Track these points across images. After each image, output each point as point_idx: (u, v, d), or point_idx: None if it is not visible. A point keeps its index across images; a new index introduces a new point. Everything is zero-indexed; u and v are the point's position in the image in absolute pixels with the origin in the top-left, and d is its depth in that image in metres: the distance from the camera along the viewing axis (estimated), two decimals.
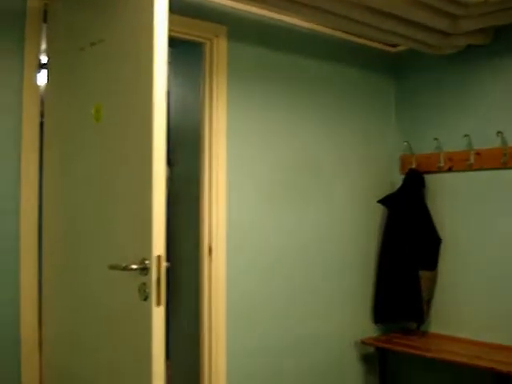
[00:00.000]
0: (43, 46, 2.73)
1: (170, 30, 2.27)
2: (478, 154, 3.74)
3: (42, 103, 2.71)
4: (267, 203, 3.46)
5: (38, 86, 2.65)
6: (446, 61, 3.93)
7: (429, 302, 3.93)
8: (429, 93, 4.05)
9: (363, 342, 3.92)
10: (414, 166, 4.02)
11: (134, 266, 2.12)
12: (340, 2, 3.12)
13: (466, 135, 3.77)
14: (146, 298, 2.09)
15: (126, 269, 2.13)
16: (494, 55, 3.71)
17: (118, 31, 2.33)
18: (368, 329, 4.03)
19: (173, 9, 2.39)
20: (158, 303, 2.08)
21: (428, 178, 4.00)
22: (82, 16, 2.54)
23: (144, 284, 2.11)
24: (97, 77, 2.45)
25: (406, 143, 4.09)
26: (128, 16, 2.27)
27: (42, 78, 2.70)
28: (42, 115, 2.70)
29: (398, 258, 3.92)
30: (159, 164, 2.12)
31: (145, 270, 2.10)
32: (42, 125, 2.69)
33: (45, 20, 2.70)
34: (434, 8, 3.20)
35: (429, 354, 3.60)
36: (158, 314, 2.08)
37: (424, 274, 3.85)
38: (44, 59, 2.72)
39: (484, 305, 3.70)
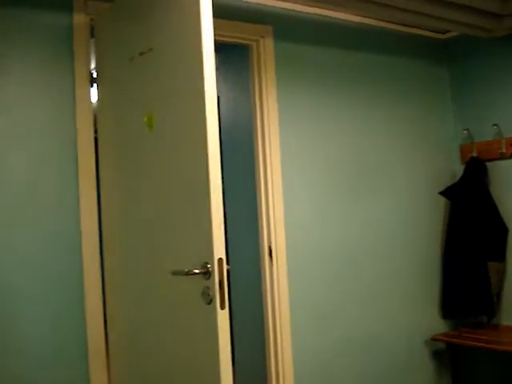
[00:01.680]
0: (93, 61, 2.78)
1: (215, 35, 2.26)
2: None
3: (95, 118, 2.76)
4: (325, 202, 3.42)
5: (90, 101, 2.69)
6: (498, 43, 3.81)
7: (498, 294, 3.80)
8: (484, 78, 3.93)
9: (433, 339, 3.82)
10: (474, 155, 3.90)
11: (197, 271, 2.12)
12: None
13: None
14: (210, 301, 2.09)
15: (188, 273, 2.14)
16: None
17: (165, 39, 2.35)
18: (438, 325, 3.92)
19: (217, 13, 2.39)
20: (222, 306, 2.07)
21: (490, 165, 3.87)
22: (128, 27, 2.57)
23: (207, 288, 2.10)
24: (147, 86, 2.47)
25: (465, 131, 3.98)
26: (174, 23, 2.28)
27: (93, 93, 2.74)
28: (95, 131, 2.75)
29: (465, 251, 3.80)
30: (215, 168, 2.11)
31: (207, 273, 2.10)
32: (96, 140, 2.73)
33: (92, 35, 2.75)
34: None
35: (500, 347, 3.48)
36: (223, 317, 2.07)
37: (492, 266, 3.73)
38: (94, 74, 2.76)
39: None
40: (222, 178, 2.21)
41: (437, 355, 3.90)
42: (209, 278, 2.09)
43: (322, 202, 3.41)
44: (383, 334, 3.63)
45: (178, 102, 2.27)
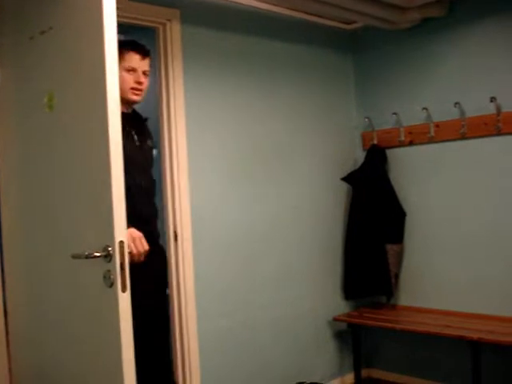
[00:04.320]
0: None
1: (120, 16, 2.23)
2: (437, 126, 3.78)
3: None
4: (230, 187, 3.45)
5: None
6: (402, 35, 3.96)
7: (397, 275, 3.98)
8: (387, 68, 4.08)
9: (335, 319, 3.96)
10: (375, 142, 4.05)
11: (97, 254, 2.10)
12: None
13: (424, 108, 3.81)
14: (111, 284, 2.08)
15: (88, 257, 2.11)
16: (449, 27, 3.74)
17: (66, 18, 2.28)
18: (340, 306, 4.06)
19: None
20: (124, 289, 2.06)
21: (390, 152, 4.03)
22: (28, 5, 2.49)
23: (108, 271, 2.09)
24: (47, 65, 2.40)
25: (366, 120, 4.12)
26: (76, 1, 2.22)
27: None
28: None
29: (365, 234, 3.95)
30: (116, 150, 2.09)
31: (108, 256, 2.08)
32: None
33: None
34: None
35: (399, 326, 3.66)
36: (125, 300, 2.07)
37: (391, 248, 3.90)
38: None
39: (450, 275, 3.77)
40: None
41: (339, 335, 4.04)
42: (110, 261, 2.08)
43: (228, 187, 3.44)
44: (288, 316, 3.72)
45: (78, 82, 2.23)
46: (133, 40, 2.79)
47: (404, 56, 3.99)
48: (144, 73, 2.76)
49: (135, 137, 2.79)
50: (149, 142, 2.91)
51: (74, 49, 2.25)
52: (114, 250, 2.06)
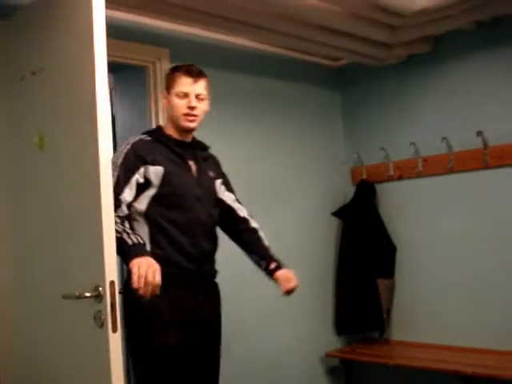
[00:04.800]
0: None
1: (111, 55, 2.24)
2: (425, 160, 3.82)
3: None
4: None
5: None
6: (389, 71, 4.02)
7: (389, 310, 3.97)
8: (374, 104, 4.13)
9: (327, 355, 3.92)
10: (364, 177, 4.08)
11: (88, 294, 2.07)
12: (282, 19, 3.17)
13: (412, 143, 3.84)
14: (102, 325, 2.05)
15: (79, 297, 2.08)
16: (435, 63, 3.82)
17: (57, 59, 2.28)
18: (332, 341, 4.03)
19: (112, 33, 2.38)
20: (114, 329, 2.03)
21: (379, 187, 4.06)
22: (18, 46, 2.50)
23: (99, 311, 2.06)
24: (39, 106, 2.40)
25: (355, 155, 4.15)
26: (67, 42, 2.23)
27: None
28: None
29: (356, 268, 3.95)
30: (107, 190, 2.08)
31: (99, 297, 2.06)
32: None
33: None
34: (373, 20, 3.28)
35: (392, 362, 3.63)
36: (115, 341, 2.03)
37: (382, 283, 3.89)
38: None
39: (442, 309, 3.76)
40: None
41: (332, 371, 4.01)
42: (100, 302, 2.05)
43: None
44: (280, 352, 3.68)
45: (70, 122, 2.23)
46: (185, 64, 2.57)
47: (391, 91, 4.04)
48: (198, 96, 2.50)
49: (193, 167, 2.55)
50: (210, 173, 2.64)
51: (66, 89, 2.25)
52: (104, 290, 2.03)
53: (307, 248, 3.93)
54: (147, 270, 2.11)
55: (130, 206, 2.37)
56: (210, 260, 2.59)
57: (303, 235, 3.92)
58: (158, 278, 2.12)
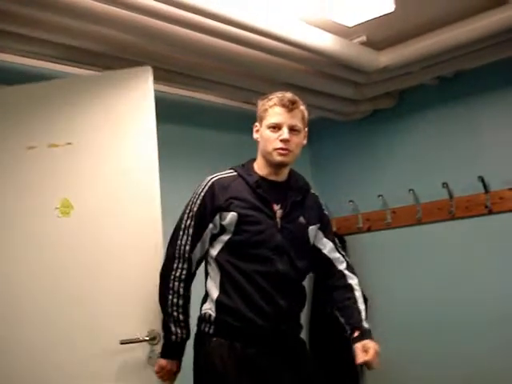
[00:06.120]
0: None
1: None
2: (394, 212, 3.87)
3: None
4: None
5: None
6: (355, 125, 4.11)
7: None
8: (341, 157, 4.20)
9: None
10: (334, 229, 4.08)
11: (146, 338, 2.36)
12: (250, 77, 3.24)
13: (380, 195, 3.90)
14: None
15: (137, 341, 2.34)
16: (399, 117, 3.92)
17: (86, 133, 2.52)
18: None
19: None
20: None
21: (349, 239, 4.08)
22: (39, 119, 2.58)
23: (153, 351, 2.35)
24: (65, 173, 2.52)
25: None
26: (96, 119, 2.52)
27: None
28: None
29: (328, 322, 3.87)
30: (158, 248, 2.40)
31: (155, 339, 2.36)
32: None
33: None
34: (339, 78, 3.37)
35: None
36: None
37: None
38: None
39: (415, 359, 3.73)
40: None
41: None
42: (157, 343, 2.33)
43: None
44: None
45: (99, 190, 2.47)
46: (280, 92, 2.30)
47: (357, 145, 4.12)
48: (292, 128, 2.24)
49: (278, 212, 2.25)
50: (302, 218, 2.31)
51: (95, 160, 2.50)
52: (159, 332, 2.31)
53: None
54: (163, 376, 2.23)
55: (199, 261, 2.24)
56: (290, 319, 2.28)
57: None
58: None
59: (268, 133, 2.23)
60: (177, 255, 2.18)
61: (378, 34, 3.15)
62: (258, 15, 2.63)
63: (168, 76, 3.07)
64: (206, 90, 3.45)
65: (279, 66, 3.11)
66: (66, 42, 2.61)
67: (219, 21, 2.54)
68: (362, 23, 2.95)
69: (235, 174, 2.27)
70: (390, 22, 3.00)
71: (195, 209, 2.21)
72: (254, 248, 2.18)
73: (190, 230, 2.19)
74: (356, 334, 2.27)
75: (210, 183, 2.24)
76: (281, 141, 2.20)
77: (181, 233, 2.20)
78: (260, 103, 2.31)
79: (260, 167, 2.29)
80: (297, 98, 2.28)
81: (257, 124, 2.32)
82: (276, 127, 2.22)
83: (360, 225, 4.02)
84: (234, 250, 2.19)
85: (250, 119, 3.88)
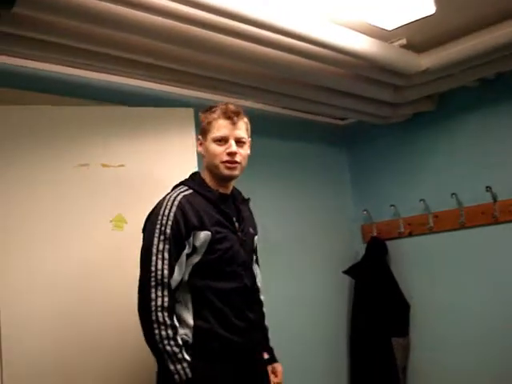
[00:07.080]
0: None
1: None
2: (436, 216, 3.82)
3: None
4: None
5: None
6: (395, 129, 4.07)
7: (405, 368, 3.89)
8: (381, 161, 4.17)
9: None
10: (375, 234, 4.07)
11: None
12: (289, 82, 3.24)
13: (421, 199, 3.86)
14: None
15: None
16: (439, 120, 3.87)
17: (136, 155, 2.75)
18: None
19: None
20: None
21: (390, 244, 4.04)
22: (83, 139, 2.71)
23: None
24: (113, 192, 2.68)
25: (365, 212, 4.16)
26: (145, 142, 2.78)
27: None
28: None
29: (370, 328, 3.88)
30: None
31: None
32: None
33: None
34: (378, 81, 3.34)
35: None
36: None
37: (396, 342, 3.83)
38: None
39: (459, 366, 3.68)
40: None
41: None
42: None
43: None
44: None
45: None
46: (221, 104, 2.25)
47: (397, 149, 4.08)
48: (238, 140, 2.20)
49: (236, 224, 2.24)
50: (251, 230, 2.34)
51: (144, 181, 2.71)
52: None
53: (318, 307, 3.89)
54: None
55: (178, 286, 2.10)
56: (259, 330, 2.34)
57: (315, 295, 3.89)
58: None
59: (214, 146, 2.18)
60: (153, 283, 2.01)
61: (418, 36, 3.12)
62: (302, 22, 2.62)
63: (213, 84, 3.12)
64: (245, 96, 3.45)
65: (319, 71, 3.10)
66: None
67: (258, 26, 2.53)
68: (402, 26, 2.94)
69: (191, 190, 2.20)
70: (430, 24, 2.97)
71: (168, 230, 2.07)
72: (226, 265, 2.16)
73: (166, 254, 2.05)
74: (266, 355, 2.41)
75: (176, 202, 2.13)
76: (228, 154, 2.17)
77: (153, 258, 2.04)
78: (202, 116, 2.25)
79: (208, 182, 2.24)
80: (240, 108, 2.24)
81: (200, 137, 2.27)
82: (222, 140, 2.18)
83: (401, 229, 3.98)
84: (206, 271, 2.13)
85: (289, 125, 3.95)
